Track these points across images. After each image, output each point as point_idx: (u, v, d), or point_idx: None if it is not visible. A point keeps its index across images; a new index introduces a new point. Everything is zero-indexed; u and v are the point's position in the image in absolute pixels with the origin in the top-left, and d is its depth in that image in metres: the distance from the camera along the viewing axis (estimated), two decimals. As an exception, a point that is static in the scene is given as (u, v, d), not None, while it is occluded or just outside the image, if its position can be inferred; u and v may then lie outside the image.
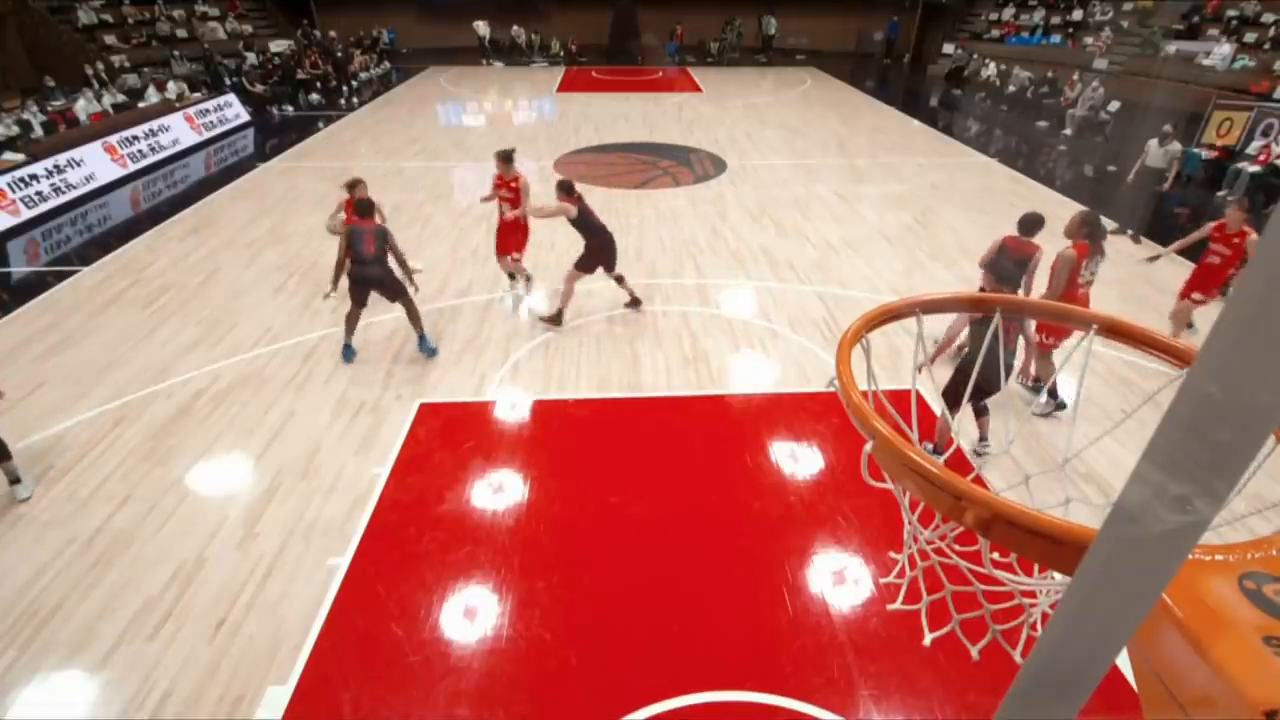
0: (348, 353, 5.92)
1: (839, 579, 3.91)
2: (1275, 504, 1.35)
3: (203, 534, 4.20)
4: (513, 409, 5.37)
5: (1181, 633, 0.75)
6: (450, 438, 5.05)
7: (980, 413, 4.52)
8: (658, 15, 24.89)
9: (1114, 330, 1.56)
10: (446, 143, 13.54)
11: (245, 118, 15.07)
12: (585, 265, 6.36)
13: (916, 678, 3.33)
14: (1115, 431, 2.20)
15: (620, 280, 6.62)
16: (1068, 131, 14.68)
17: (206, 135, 13.66)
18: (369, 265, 5.57)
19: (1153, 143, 8.35)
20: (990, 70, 18.98)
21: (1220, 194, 10.63)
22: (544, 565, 3.97)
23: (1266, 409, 0.43)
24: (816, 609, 3.72)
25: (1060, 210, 9.87)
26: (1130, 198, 8.67)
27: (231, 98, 15.16)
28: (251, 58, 17.85)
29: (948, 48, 22.28)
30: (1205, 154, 11.43)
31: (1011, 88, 17.62)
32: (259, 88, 16.33)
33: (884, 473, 1.26)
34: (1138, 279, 7.51)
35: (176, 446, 4.94)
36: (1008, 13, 21.59)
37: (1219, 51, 14.52)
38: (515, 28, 24.29)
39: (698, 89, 19.53)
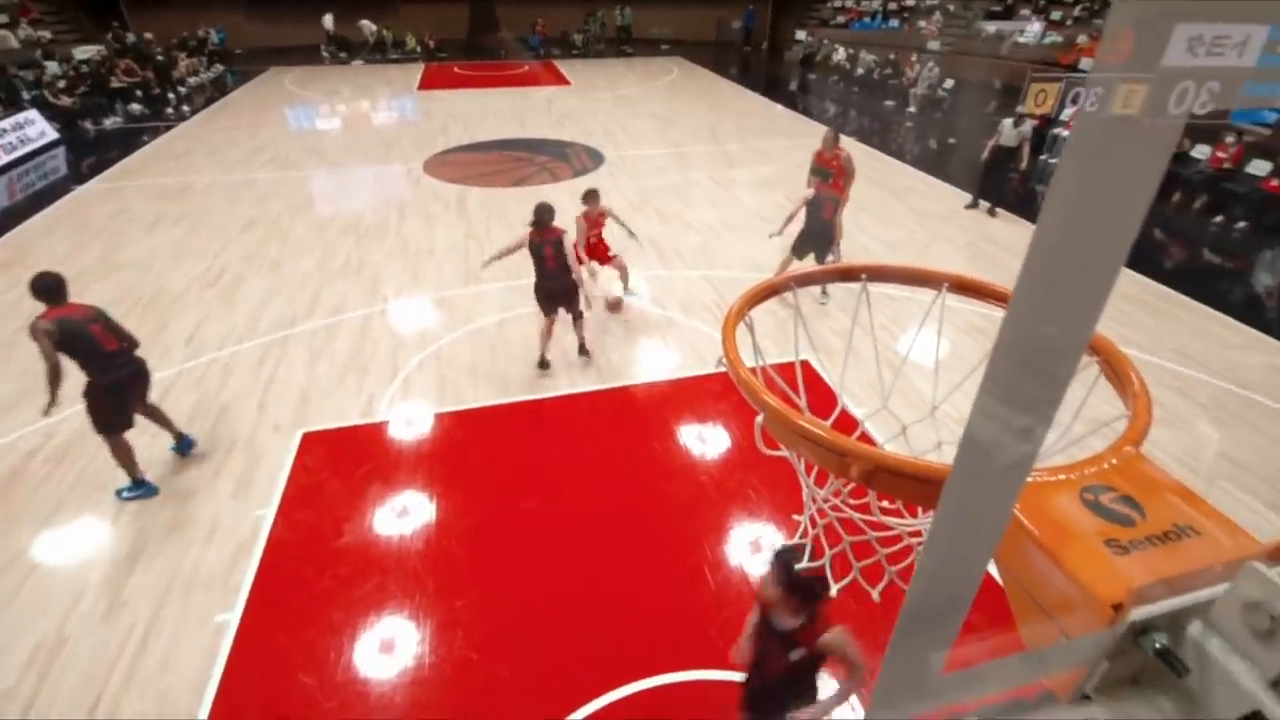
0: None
1: (754, 548, 4.05)
2: (1106, 423, 1.52)
3: (58, 610, 3.65)
4: (409, 426, 5.09)
5: (1038, 547, 0.84)
6: (342, 465, 4.70)
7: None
8: (516, 9, 24.42)
9: (962, 286, 1.71)
10: (299, 149, 12.53)
11: (52, 135, 13.14)
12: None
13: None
14: (974, 376, 2.41)
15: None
16: (912, 109, 15.99)
17: (6, 158, 11.78)
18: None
19: (1006, 123, 9.15)
20: (840, 55, 20.27)
21: (1042, 158, 12.02)
22: (461, 583, 3.81)
23: (1067, 340, 0.47)
24: (737, 580, 3.83)
25: (913, 183, 10.79)
26: (984, 171, 9.49)
27: (33, 114, 13.14)
28: (53, 67, 15.57)
29: (800, 35, 23.53)
30: (1029, 120, 12.85)
31: (860, 70, 18.92)
32: (65, 100, 14.27)
33: (777, 441, 1.31)
34: (985, 241, 8.35)
35: (14, 514, 4.26)
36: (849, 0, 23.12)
37: (1031, 29, 16.37)
38: (363, 22, 22.87)
39: (566, 82, 19.37)
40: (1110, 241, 0.44)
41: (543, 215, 5.37)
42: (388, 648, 3.46)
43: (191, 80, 18.06)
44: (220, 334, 6.27)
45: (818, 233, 6.45)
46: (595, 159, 11.81)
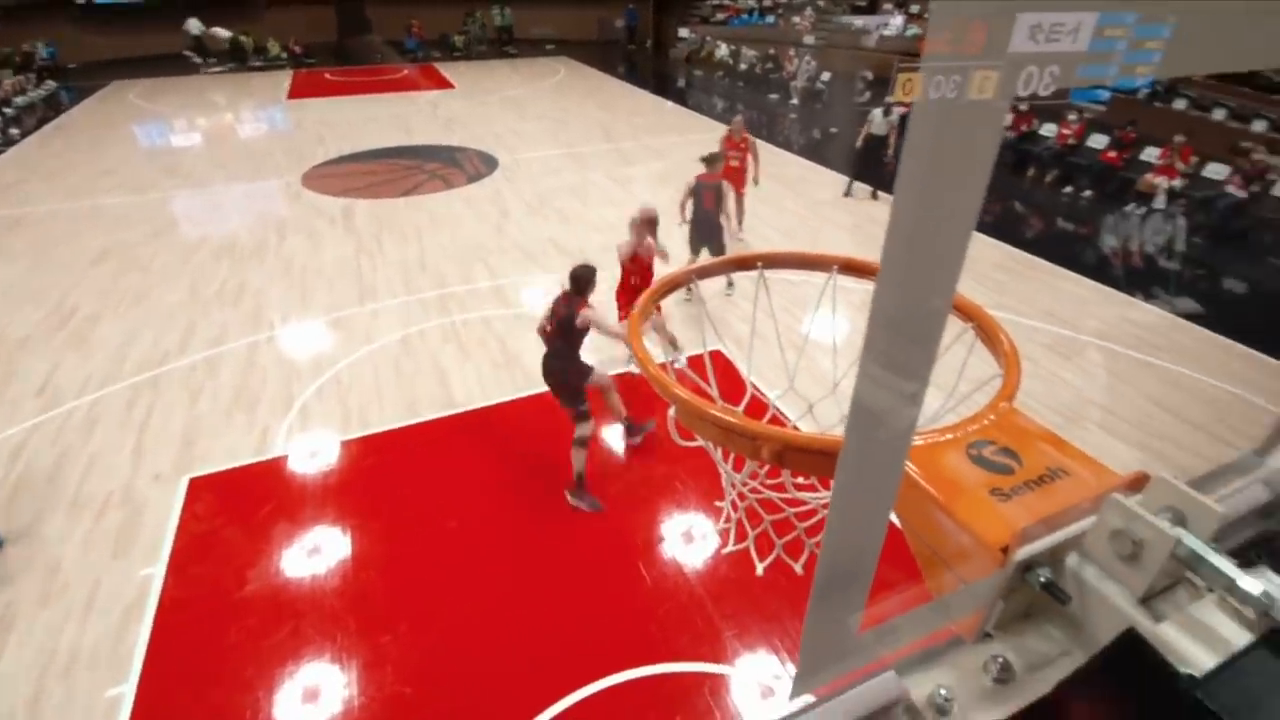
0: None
1: (686, 539, 4.11)
2: (986, 381, 1.64)
3: (-106, 723, 3.15)
4: (312, 458, 4.77)
5: (933, 503, 0.92)
6: (239, 509, 4.34)
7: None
8: (388, 10, 23.42)
9: (850, 267, 1.82)
10: (154, 170, 11.42)
11: None
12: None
13: (764, 604, 3.64)
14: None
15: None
16: (795, 101, 16.75)
17: None
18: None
19: (876, 112, 9.73)
20: (723, 51, 20.90)
21: (909, 142, 12.93)
22: (386, 616, 3.62)
23: (931, 306, 0.51)
24: (671, 572, 3.87)
25: (803, 172, 11.31)
26: (859, 159, 10.06)
27: None
28: None
29: (683, 32, 24.05)
30: (902, 108, 13.81)
31: (743, 65, 19.59)
32: None
33: (691, 432, 1.33)
34: (870, 223, 8.89)
35: None
36: (726, -3, 23.89)
37: (894, 22, 17.55)
38: (214, 29, 21.12)
39: (449, 85, 18.80)
40: (959, 212, 0.48)
41: (578, 279, 4.29)
42: (311, 696, 3.23)
43: (19, 101, 16.03)
44: (78, 380, 5.61)
45: (704, 223, 6.58)
46: (489, 163, 11.55)
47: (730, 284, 7.04)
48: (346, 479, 4.59)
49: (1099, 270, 7.67)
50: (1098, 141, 10.75)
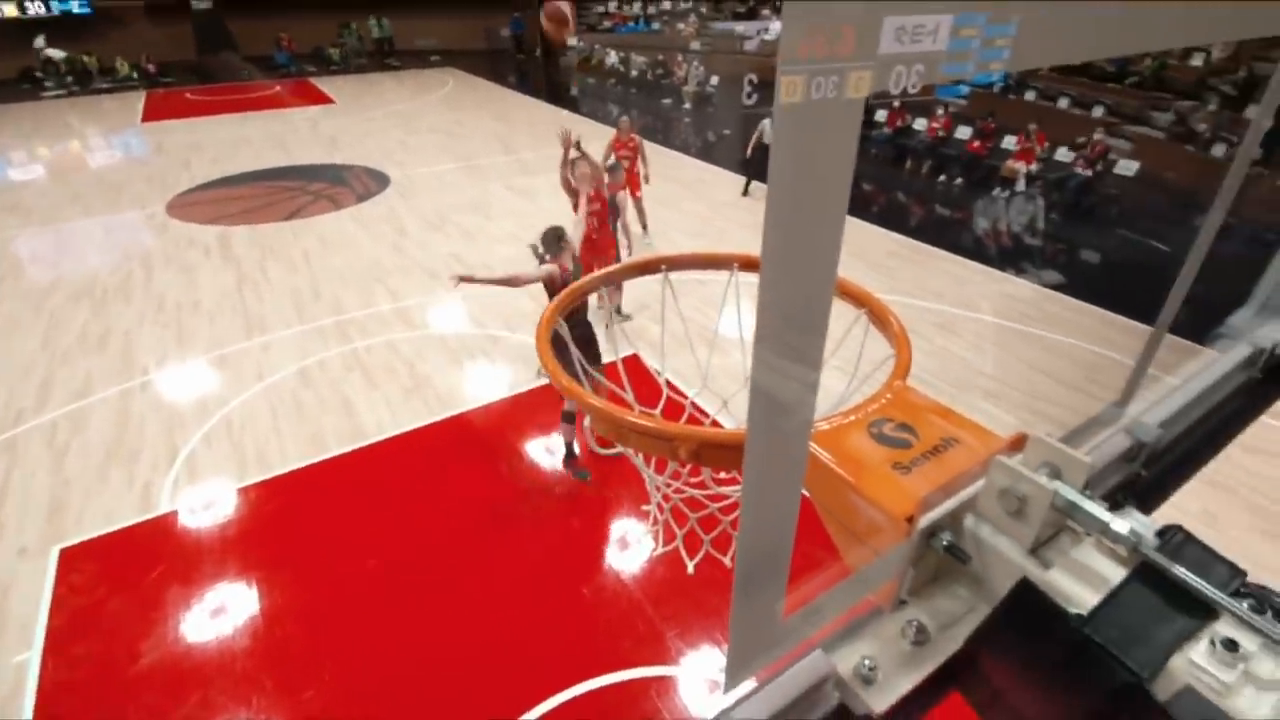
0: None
1: (620, 545, 4.10)
2: (882, 361, 1.73)
3: None
4: (206, 510, 4.38)
5: (843, 483, 0.97)
6: (123, 576, 3.92)
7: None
8: (253, 24, 21.98)
9: (749, 264, 1.89)
10: (-6, 206, 10.18)
11: None
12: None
13: (704, 601, 3.69)
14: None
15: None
16: (686, 105, 17.18)
17: None
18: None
19: (765, 123, 10.12)
20: (613, 58, 21.12)
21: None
22: (308, 669, 3.37)
23: (814, 291, 0.54)
24: (609, 581, 3.85)
25: (700, 173, 11.60)
26: (754, 166, 10.39)
27: None
28: None
29: (571, 40, 24.09)
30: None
31: (634, 72, 19.88)
32: None
33: (609, 439, 1.33)
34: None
35: None
36: (613, 5, 24.17)
37: (773, 28, 18.37)
38: (48, 50, 19.07)
39: (329, 100, 17.91)
40: (830, 203, 0.50)
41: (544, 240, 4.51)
42: (225, 770, 2.96)
43: None
44: (-90, 452, 4.88)
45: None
46: (379, 180, 11.08)
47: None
48: (248, 528, 4.25)
49: (975, 251, 8.35)
50: (964, 133, 11.73)
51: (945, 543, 0.81)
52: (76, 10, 19.78)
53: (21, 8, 19.03)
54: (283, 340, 6.28)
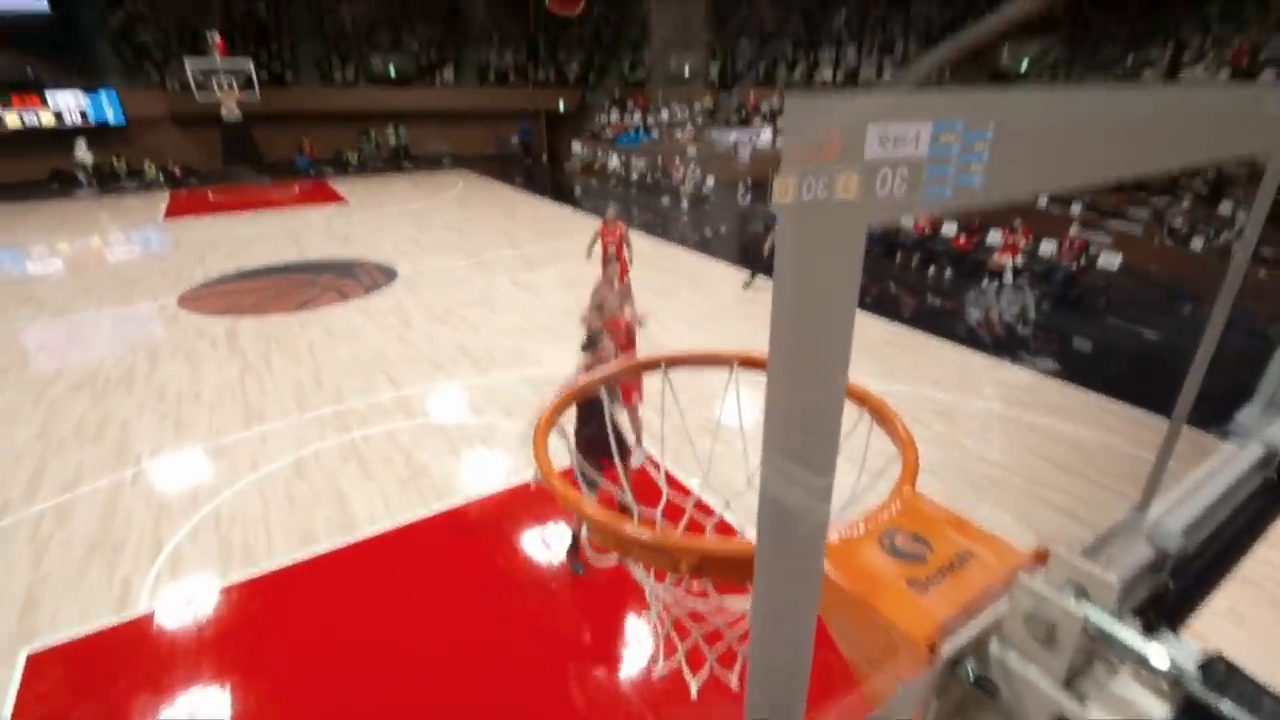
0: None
1: (619, 648, 3.87)
2: (883, 469, 1.69)
3: None
4: (188, 608, 4.17)
5: (855, 600, 0.89)
6: (93, 683, 3.67)
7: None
8: (278, 132, 23.41)
9: (749, 362, 1.89)
10: (7, 299, 10.42)
11: None
12: None
13: (711, 709, 3.42)
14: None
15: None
16: (684, 204, 18.00)
17: None
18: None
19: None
20: (615, 162, 22.38)
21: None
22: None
23: (824, 393, 0.52)
24: (609, 688, 3.59)
25: (700, 266, 11.97)
26: (768, 262, 10.75)
27: None
28: None
29: (575, 146, 25.62)
30: (779, 210, 15.13)
31: (634, 175, 21.00)
32: None
33: (606, 548, 1.27)
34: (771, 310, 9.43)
35: None
36: (614, 116, 25.87)
37: (764, 136, 19.56)
38: (81, 152, 20.26)
39: (343, 200, 18.77)
40: (836, 300, 0.50)
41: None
42: None
43: None
44: (-116, 549, 4.71)
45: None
46: (388, 275, 11.41)
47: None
48: (228, 630, 4.02)
49: (970, 339, 8.46)
50: (950, 229, 12.20)
51: (972, 674, 0.75)
52: (112, 122, 21.14)
53: (60, 118, 20.34)
54: (280, 430, 6.23)
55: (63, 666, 3.78)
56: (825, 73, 21.65)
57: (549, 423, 1.47)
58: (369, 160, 24.77)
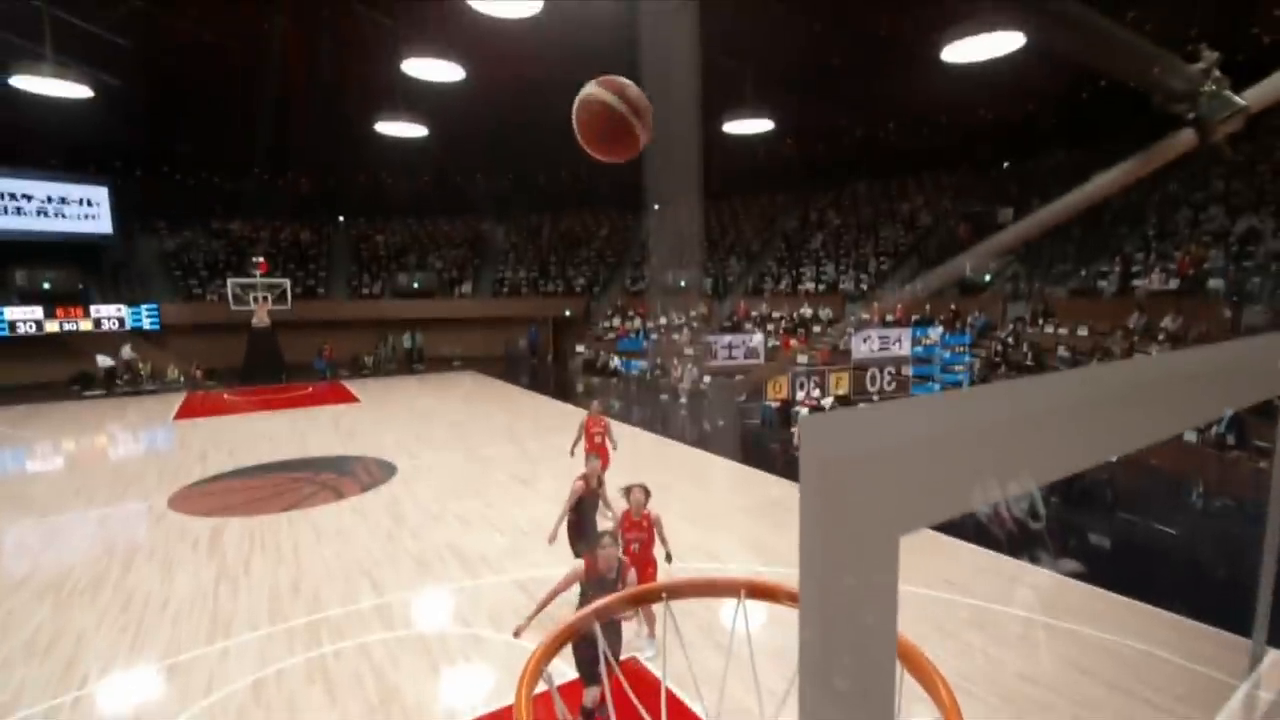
0: None
1: None
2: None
3: None
4: None
5: None
6: None
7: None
8: (301, 336, 24.96)
9: (755, 591, 1.78)
10: (-1, 498, 10.25)
11: None
12: None
13: None
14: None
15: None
16: (682, 400, 18.53)
17: None
18: None
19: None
20: (616, 361, 23.53)
21: (793, 430, 14.28)
22: None
23: (865, 639, 0.46)
24: None
25: (695, 460, 11.94)
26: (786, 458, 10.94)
27: None
28: None
29: (580, 348, 27.14)
30: (774, 404, 15.52)
31: (634, 372, 21.96)
32: None
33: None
34: (768, 505, 9.20)
35: None
36: (616, 321, 27.82)
37: (756, 339, 20.82)
38: (128, 353, 21.45)
39: (355, 399, 19.36)
40: (873, 558, 0.46)
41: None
42: None
43: None
44: None
45: (589, 526, 6.23)
46: (386, 470, 11.34)
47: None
48: None
49: (982, 538, 8.11)
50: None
51: None
52: (146, 328, 22.68)
53: (97, 324, 21.83)
54: (245, 645, 5.69)
55: None
56: (808, 284, 23.76)
57: (536, 669, 1.33)
58: (383, 363, 26.07)
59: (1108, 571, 7.02)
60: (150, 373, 21.95)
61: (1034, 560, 7.37)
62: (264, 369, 22.84)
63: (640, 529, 5.70)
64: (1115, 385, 0.65)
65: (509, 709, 4.80)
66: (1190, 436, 10.92)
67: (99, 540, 8.41)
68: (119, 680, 5.23)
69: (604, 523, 6.49)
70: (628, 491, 5.68)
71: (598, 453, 8.28)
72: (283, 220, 28.66)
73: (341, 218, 30.31)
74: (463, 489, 10.22)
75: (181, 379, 22.02)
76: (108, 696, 5.04)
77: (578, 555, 6.21)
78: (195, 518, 9.12)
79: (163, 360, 22.43)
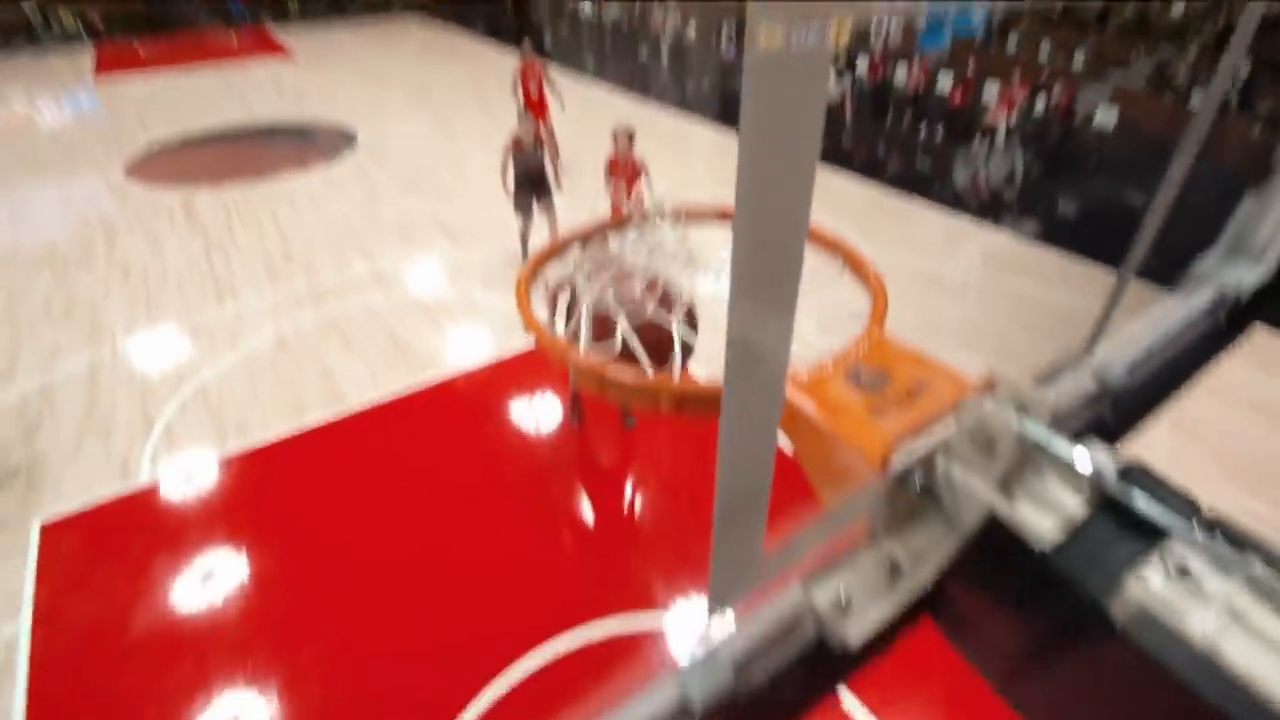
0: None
1: (606, 501, 4.18)
2: (859, 312, 1.75)
3: None
4: (188, 482, 4.35)
5: (820, 427, 0.99)
6: (110, 547, 3.91)
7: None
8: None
9: (731, 215, 1.89)
10: (-61, 172, 9.69)
11: None
12: None
13: (688, 552, 3.79)
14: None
15: None
16: (664, 55, 16.70)
17: None
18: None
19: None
20: (588, 10, 20.37)
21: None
22: (301, 629, 3.43)
23: (787, 236, 0.54)
24: (594, 534, 3.93)
25: (676, 122, 11.36)
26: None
27: None
28: None
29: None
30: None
31: (609, 21, 19.22)
32: None
33: (593, 393, 1.35)
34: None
35: None
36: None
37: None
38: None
39: (284, 51, 17.10)
40: (801, 145, 0.50)
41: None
42: (225, 727, 3.03)
43: None
44: (-126, 430, 4.76)
45: (534, 173, 6.26)
46: (348, 140, 10.71)
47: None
48: (231, 498, 4.24)
49: (957, 202, 8.37)
50: (945, 83, 11.62)
51: (919, 482, 0.85)
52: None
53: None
54: (255, 307, 6.15)
55: (77, 532, 4.00)
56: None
57: (529, 277, 1.48)
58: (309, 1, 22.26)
59: (1065, 235, 7.49)
60: (42, 22, 18.65)
61: (997, 223, 7.76)
62: (168, 10, 19.49)
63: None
64: None
65: (512, 358, 5.52)
66: (1196, 101, 10.51)
67: (68, 213, 8.29)
68: (148, 337, 5.77)
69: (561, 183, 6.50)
70: (614, 137, 5.85)
71: (532, 109, 7.80)
72: None
73: None
74: (433, 160, 9.84)
75: (80, 29, 18.88)
76: (142, 349, 5.62)
77: (518, 211, 6.36)
78: (160, 189, 8.87)
79: (52, 6, 18.85)
